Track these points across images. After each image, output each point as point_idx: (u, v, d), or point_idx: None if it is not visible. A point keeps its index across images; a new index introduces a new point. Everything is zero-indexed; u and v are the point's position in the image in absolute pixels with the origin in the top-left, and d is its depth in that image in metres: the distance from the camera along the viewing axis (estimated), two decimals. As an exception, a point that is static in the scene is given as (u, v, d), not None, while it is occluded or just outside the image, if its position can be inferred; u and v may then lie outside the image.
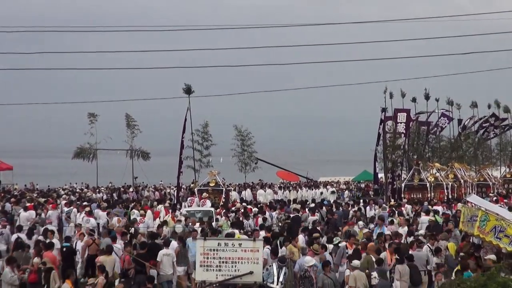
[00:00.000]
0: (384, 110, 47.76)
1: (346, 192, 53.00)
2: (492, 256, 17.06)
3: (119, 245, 20.11)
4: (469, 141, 62.89)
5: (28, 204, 31.44)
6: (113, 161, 63.36)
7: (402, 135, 47.44)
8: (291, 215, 29.03)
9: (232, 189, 44.08)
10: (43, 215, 28.36)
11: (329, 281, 16.41)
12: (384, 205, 32.26)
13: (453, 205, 32.01)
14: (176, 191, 45.09)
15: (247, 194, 45.02)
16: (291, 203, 35.76)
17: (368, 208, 31.90)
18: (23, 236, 21.90)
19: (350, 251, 18.77)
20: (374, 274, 16.49)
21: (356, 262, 16.57)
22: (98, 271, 16.23)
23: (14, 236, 22.03)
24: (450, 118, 57.83)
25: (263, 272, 16.57)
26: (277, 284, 16.34)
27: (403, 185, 41.62)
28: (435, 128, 56.83)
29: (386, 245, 19.35)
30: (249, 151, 58.21)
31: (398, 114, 47.89)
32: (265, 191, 46.44)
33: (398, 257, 17.46)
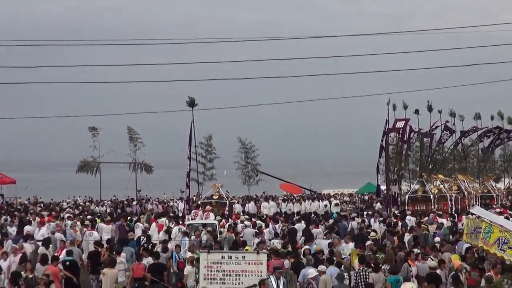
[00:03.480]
0: (387, 122, 47.99)
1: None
2: (432, 263, 17.81)
3: (123, 258, 20.14)
4: (472, 152, 62.72)
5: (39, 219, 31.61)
6: (117, 175, 63.42)
7: (397, 139, 48.18)
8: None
9: (236, 201, 44.03)
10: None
11: None
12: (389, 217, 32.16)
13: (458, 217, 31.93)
14: (184, 203, 44.91)
15: (250, 206, 44.90)
16: (295, 215, 35.68)
17: (372, 220, 31.78)
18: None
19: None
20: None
21: (322, 267, 17.25)
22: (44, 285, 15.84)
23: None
24: (452, 131, 57.76)
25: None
26: None
27: (407, 197, 41.55)
28: (439, 146, 57.14)
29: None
30: (253, 163, 58.14)
31: (398, 122, 48.52)
32: (268, 204, 46.31)
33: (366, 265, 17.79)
